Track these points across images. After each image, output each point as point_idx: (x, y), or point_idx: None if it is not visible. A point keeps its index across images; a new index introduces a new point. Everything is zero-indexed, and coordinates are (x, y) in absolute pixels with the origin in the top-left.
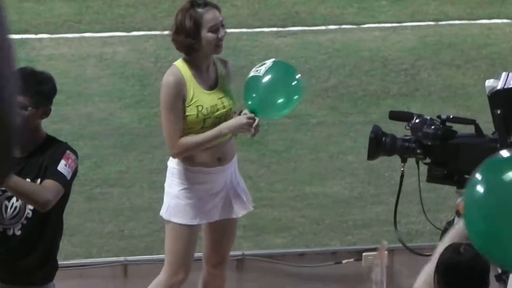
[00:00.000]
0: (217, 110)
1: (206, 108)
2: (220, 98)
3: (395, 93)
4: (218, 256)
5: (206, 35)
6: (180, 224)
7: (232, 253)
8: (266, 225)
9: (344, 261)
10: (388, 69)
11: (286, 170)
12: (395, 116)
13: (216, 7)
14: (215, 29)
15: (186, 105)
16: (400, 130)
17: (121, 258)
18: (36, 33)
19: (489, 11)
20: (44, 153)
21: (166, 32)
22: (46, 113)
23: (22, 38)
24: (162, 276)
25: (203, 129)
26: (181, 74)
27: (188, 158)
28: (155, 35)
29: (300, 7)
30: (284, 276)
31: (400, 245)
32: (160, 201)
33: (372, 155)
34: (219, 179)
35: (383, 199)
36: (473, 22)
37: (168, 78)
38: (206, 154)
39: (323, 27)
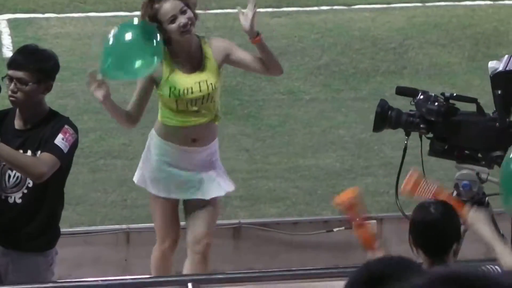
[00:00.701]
0: (191, 92)
1: (179, 90)
2: (198, 82)
3: (384, 71)
4: (192, 236)
5: (168, 27)
6: (154, 195)
7: (228, 221)
8: (261, 195)
9: (335, 229)
10: (378, 48)
11: (280, 143)
12: (401, 91)
13: None
14: (172, 19)
15: (161, 84)
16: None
17: (124, 226)
18: (43, 13)
19: None
20: (45, 126)
21: None
22: (48, 89)
23: (30, 17)
24: (156, 244)
25: (178, 109)
26: None
27: (165, 134)
28: None
29: None
30: (278, 243)
31: (388, 213)
32: None
33: (377, 127)
34: (192, 159)
35: (372, 171)
36: (458, 3)
37: None
38: (180, 133)
39: (315, 8)
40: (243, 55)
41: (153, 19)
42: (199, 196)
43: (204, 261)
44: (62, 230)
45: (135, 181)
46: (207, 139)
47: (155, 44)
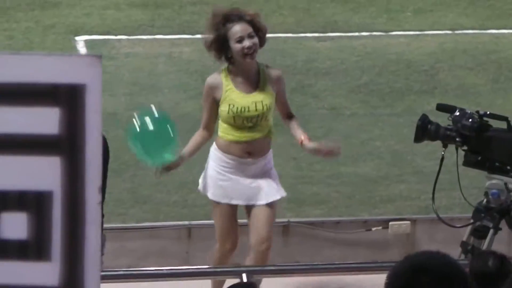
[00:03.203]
0: (248, 111)
1: (237, 108)
2: (254, 102)
3: (417, 91)
4: (256, 237)
5: (234, 46)
6: (215, 202)
7: (278, 220)
8: (306, 198)
9: (373, 229)
10: (411, 70)
11: None
12: (441, 108)
13: (240, 20)
14: (239, 40)
15: (220, 102)
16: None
17: (186, 222)
18: (115, 35)
19: (497, 23)
20: None
21: None
22: None
23: (104, 39)
24: (216, 245)
25: (236, 125)
26: (219, 77)
27: (224, 147)
28: None
29: (338, 16)
30: (322, 240)
31: (420, 215)
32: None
33: (418, 139)
34: (249, 170)
35: (405, 179)
36: (483, 31)
37: (208, 78)
38: (237, 147)
39: (356, 34)
40: (282, 97)
41: (222, 36)
42: (258, 201)
43: (265, 260)
44: (130, 225)
45: (200, 190)
46: (261, 152)
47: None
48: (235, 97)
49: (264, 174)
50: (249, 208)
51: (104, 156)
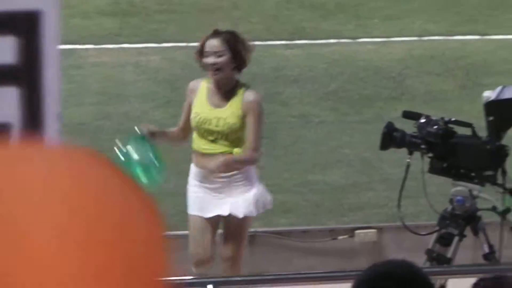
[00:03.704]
0: (209, 124)
1: (200, 118)
2: (218, 118)
3: (385, 97)
4: (223, 251)
5: (203, 59)
6: (188, 213)
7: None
8: (274, 207)
9: (340, 237)
10: (380, 76)
11: (292, 161)
12: (407, 115)
13: (217, 36)
14: (206, 55)
15: (192, 107)
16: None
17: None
18: (83, 44)
19: (464, 29)
20: None
21: (192, 44)
22: None
23: (71, 48)
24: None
25: (200, 135)
26: (200, 83)
27: (193, 156)
28: (183, 46)
29: (306, 23)
30: (289, 250)
31: (387, 223)
32: (185, 186)
33: (384, 146)
34: (217, 183)
35: (373, 186)
36: (451, 38)
37: (191, 81)
38: (200, 158)
39: (324, 41)
40: (249, 125)
41: (200, 48)
42: (224, 213)
43: (233, 271)
44: None
45: None
46: (226, 169)
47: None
48: (202, 108)
49: (234, 190)
50: (223, 220)
51: None
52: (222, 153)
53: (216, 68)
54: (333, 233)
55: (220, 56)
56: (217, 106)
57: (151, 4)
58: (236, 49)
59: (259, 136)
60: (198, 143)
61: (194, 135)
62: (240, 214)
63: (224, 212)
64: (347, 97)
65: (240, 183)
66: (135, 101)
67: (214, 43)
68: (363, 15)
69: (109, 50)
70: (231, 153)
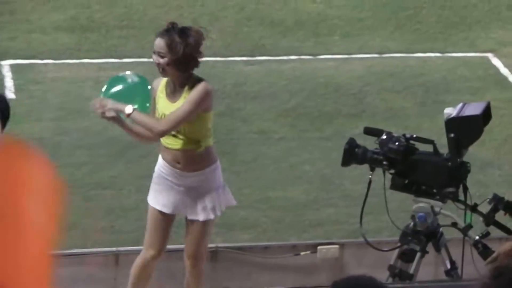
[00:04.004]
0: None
1: (159, 113)
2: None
3: (346, 114)
4: (187, 250)
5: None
6: (149, 204)
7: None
8: (235, 223)
9: (302, 253)
10: (340, 93)
11: (252, 177)
12: (368, 131)
13: (163, 36)
14: (153, 52)
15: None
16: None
17: (113, 249)
18: (42, 59)
19: (424, 47)
20: None
21: (152, 60)
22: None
23: (30, 63)
24: (141, 252)
25: None
26: (161, 81)
27: (161, 151)
28: (143, 61)
29: (266, 40)
30: (251, 265)
31: (349, 239)
32: (146, 202)
33: (345, 162)
34: (183, 180)
35: (334, 203)
36: (411, 55)
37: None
38: (166, 153)
39: (285, 57)
40: (182, 104)
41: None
42: (187, 214)
43: (195, 277)
44: (59, 251)
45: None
46: (190, 166)
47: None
48: (161, 103)
49: (199, 189)
50: (186, 221)
51: (5, 114)
52: (181, 149)
53: (160, 68)
54: (295, 248)
55: (162, 57)
56: (173, 101)
57: (110, 19)
58: (179, 53)
59: (180, 118)
60: (164, 138)
61: None
62: (199, 217)
63: (188, 215)
64: (307, 114)
65: (211, 184)
66: (95, 117)
67: (158, 43)
68: (322, 32)
69: (68, 65)
70: (192, 149)
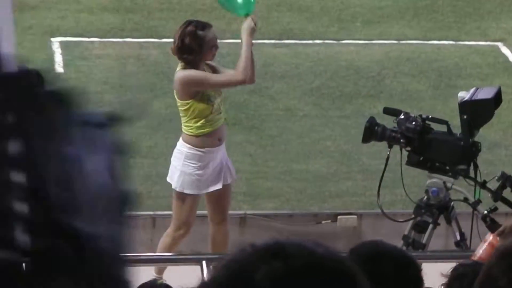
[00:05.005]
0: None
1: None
2: None
3: (365, 94)
4: (219, 216)
5: (209, 50)
6: (189, 195)
7: (236, 212)
8: (261, 192)
9: (323, 222)
10: (360, 75)
11: (278, 150)
12: (387, 111)
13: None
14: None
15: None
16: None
17: (151, 212)
18: (88, 37)
19: (439, 35)
20: None
21: None
22: None
23: (78, 41)
24: (169, 229)
25: (213, 112)
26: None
27: (197, 143)
28: None
29: (294, 25)
30: (276, 231)
31: (366, 210)
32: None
33: (366, 139)
34: (219, 156)
35: (352, 176)
36: (426, 42)
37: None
38: (210, 137)
39: (310, 41)
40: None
41: (199, 45)
42: (225, 182)
43: (227, 235)
44: None
45: (176, 189)
46: (225, 134)
47: None
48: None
49: (226, 157)
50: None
51: None
52: (223, 123)
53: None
54: (317, 217)
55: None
56: None
57: (152, 2)
58: (180, 39)
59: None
60: (213, 122)
61: (203, 122)
62: (230, 181)
63: (228, 180)
64: (330, 94)
65: (225, 150)
66: (136, 91)
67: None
68: (345, 18)
69: (113, 44)
70: (186, 134)
